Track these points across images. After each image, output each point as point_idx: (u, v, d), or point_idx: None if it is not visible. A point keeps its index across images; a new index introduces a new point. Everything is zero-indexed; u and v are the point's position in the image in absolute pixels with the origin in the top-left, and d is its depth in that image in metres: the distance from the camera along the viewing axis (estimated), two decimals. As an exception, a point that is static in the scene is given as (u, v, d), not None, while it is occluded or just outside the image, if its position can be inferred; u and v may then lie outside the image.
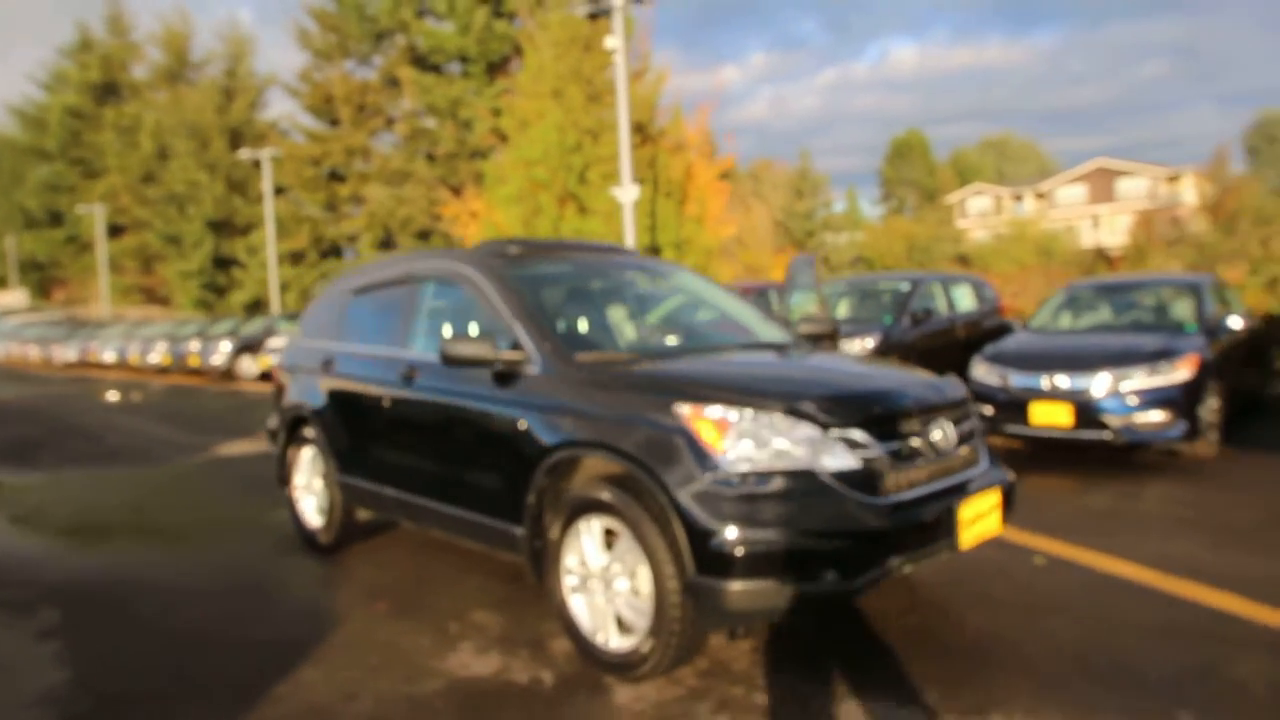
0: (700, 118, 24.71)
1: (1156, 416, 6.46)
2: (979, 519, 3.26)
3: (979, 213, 60.47)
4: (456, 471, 3.96)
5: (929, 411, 3.33)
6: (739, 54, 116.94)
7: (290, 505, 5.49)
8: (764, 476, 2.96)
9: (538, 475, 3.48)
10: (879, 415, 3.16)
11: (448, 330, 4.45)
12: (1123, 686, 3.05)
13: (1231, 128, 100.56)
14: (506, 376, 3.73)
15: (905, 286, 10.27)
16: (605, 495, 3.22)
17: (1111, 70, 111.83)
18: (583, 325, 4.20)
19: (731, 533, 2.89)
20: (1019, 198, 59.50)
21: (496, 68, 26.67)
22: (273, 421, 5.72)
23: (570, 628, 3.43)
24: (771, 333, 4.45)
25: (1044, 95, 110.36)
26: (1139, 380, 6.54)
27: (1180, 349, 6.76)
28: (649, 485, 3.06)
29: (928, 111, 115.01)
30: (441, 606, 4.17)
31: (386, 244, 28.77)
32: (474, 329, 4.34)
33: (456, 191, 26.23)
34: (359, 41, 28.32)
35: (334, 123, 28.99)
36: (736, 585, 2.89)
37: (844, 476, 3.00)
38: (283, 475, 5.56)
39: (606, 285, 4.54)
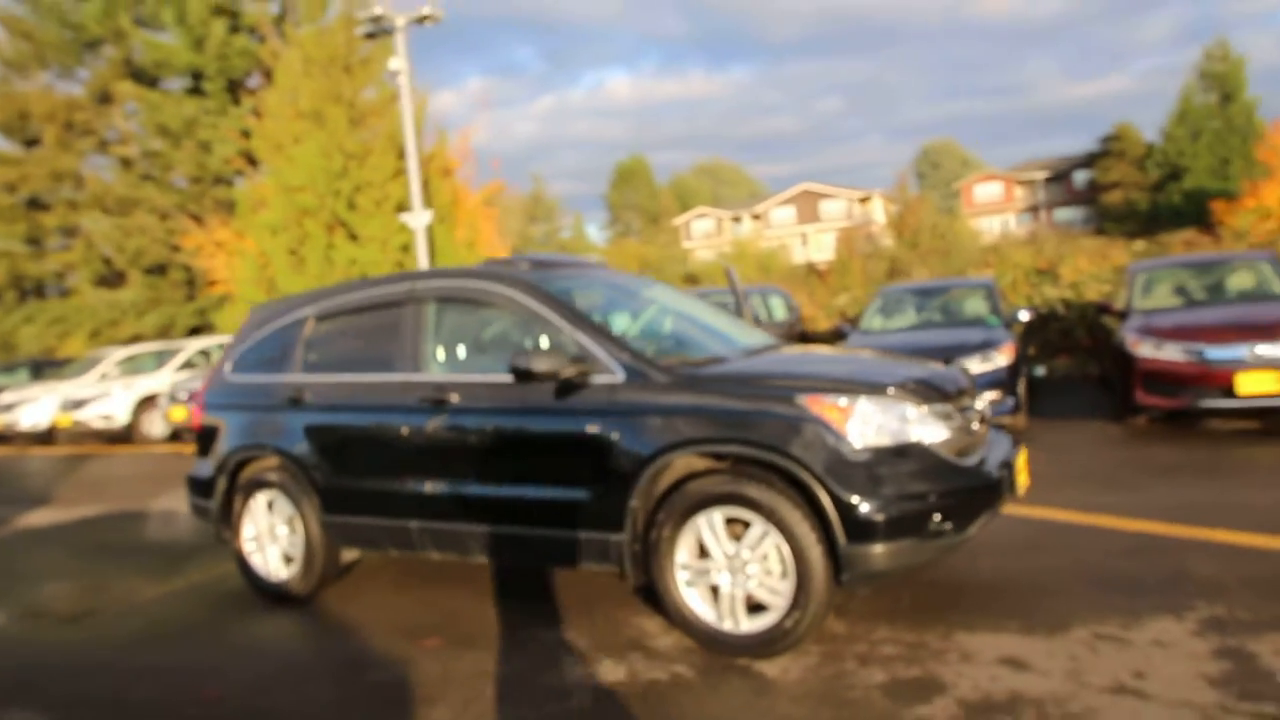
0: (463, 141, 24.65)
1: (992, 396, 7.72)
2: (1020, 473, 3.92)
3: (703, 234, 65.20)
4: (524, 491, 3.96)
5: (969, 391, 3.94)
6: (455, 80, 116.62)
7: (241, 560, 5.01)
8: (886, 450, 3.39)
9: (642, 479, 3.63)
10: (949, 394, 3.72)
11: (455, 350, 4.44)
12: (1140, 593, 3.82)
13: (902, 155, 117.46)
14: (571, 388, 3.83)
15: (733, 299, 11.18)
16: (733, 487, 3.46)
17: (800, 103, 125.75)
18: (631, 333, 4.36)
19: (873, 502, 3.29)
20: (738, 219, 64.97)
21: (238, 86, 24.68)
22: (204, 469, 5.18)
23: (689, 621, 3.61)
24: (766, 336, 4.88)
25: (745, 124, 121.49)
26: (975, 366, 7.76)
27: (999, 339, 8.12)
28: (789, 470, 3.36)
29: (642, 138, 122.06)
30: (495, 632, 4.11)
31: (108, 280, 25.43)
32: (459, 345, 4.38)
33: (198, 220, 23.92)
34: (60, 52, 24.85)
35: (31, 143, 25.14)
36: (881, 548, 3.29)
37: (941, 445, 3.51)
38: (225, 528, 5.07)
39: (619, 297, 4.72)
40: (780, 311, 12.09)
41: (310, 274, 20.41)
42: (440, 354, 4.43)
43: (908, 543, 3.33)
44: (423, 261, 16.90)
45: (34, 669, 4.21)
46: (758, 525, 3.45)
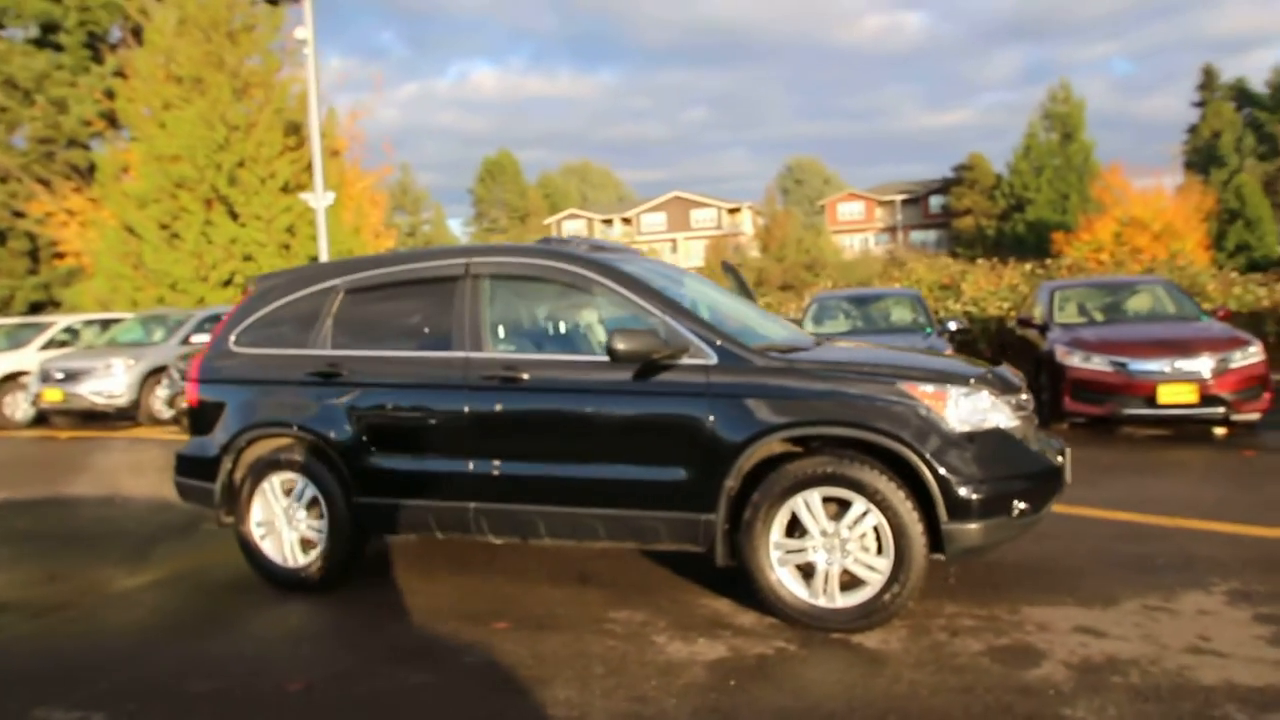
0: (350, 122, 23.69)
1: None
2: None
3: (574, 235, 65.18)
4: (609, 471, 3.94)
5: (1023, 386, 4.25)
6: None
7: (247, 546, 4.68)
8: (978, 435, 3.63)
9: (740, 460, 3.71)
10: (1014, 387, 4.01)
11: (520, 328, 4.38)
12: (1158, 572, 4.25)
13: (765, 170, 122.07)
14: (658, 369, 3.86)
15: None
16: (837, 468, 3.60)
17: (667, 111, 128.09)
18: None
19: (973, 483, 3.52)
20: (609, 222, 65.46)
21: (99, 41, 22.66)
22: (202, 448, 4.81)
23: (781, 598, 3.71)
24: (801, 330, 5.05)
25: (612, 128, 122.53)
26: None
27: (941, 346, 8.68)
28: (898, 452, 3.54)
29: (507, 133, 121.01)
30: (563, 615, 4.05)
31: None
32: (526, 323, 4.34)
33: (47, 185, 21.84)
34: (-117, -13, 22.03)
35: None
36: (977, 526, 3.53)
37: (1016, 432, 3.78)
38: (226, 512, 4.74)
39: (669, 284, 4.75)
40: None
41: (186, 250, 19.06)
42: (503, 331, 4.34)
43: (999, 521, 3.58)
44: (323, 245, 16.04)
45: (49, 660, 3.80)
46: (859, 504, 3.60)
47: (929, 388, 3.65)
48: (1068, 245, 30.95)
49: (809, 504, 3.68)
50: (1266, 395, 7.66)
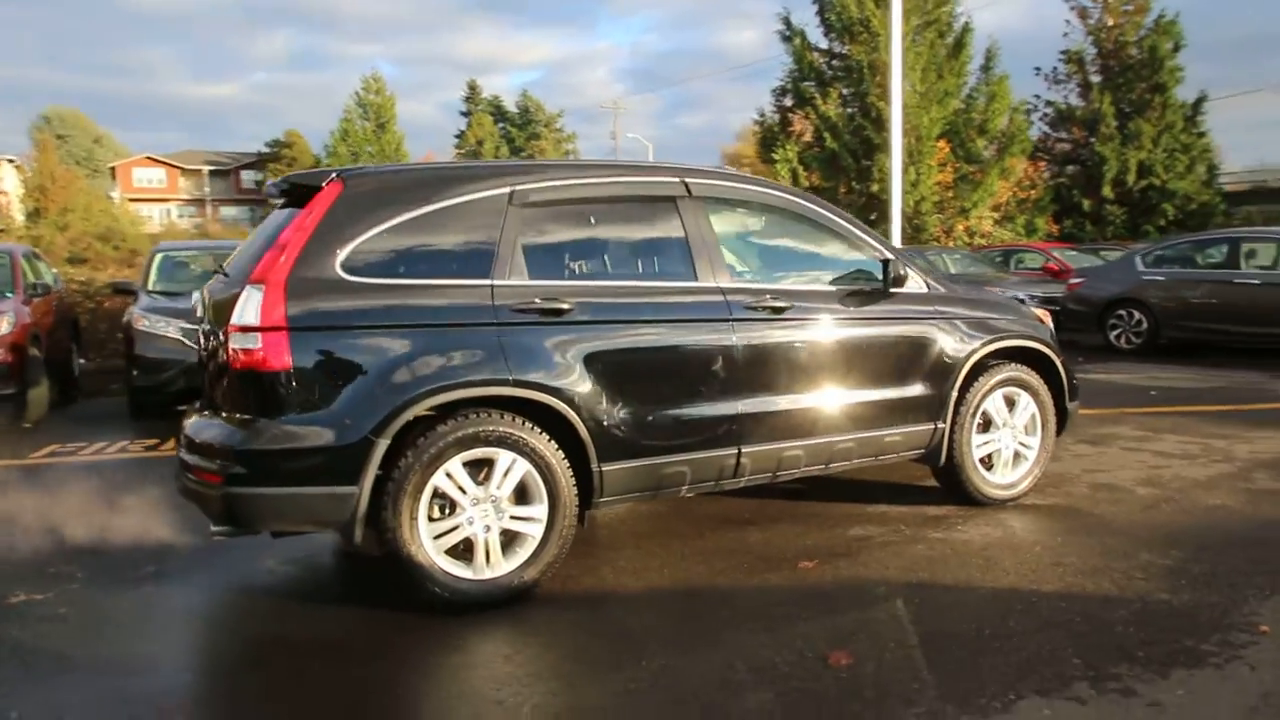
0: None
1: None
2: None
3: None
4: (870, 395, 4.16)
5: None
6: None
7: (418, 566, 3.30)
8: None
9: (962, 373, 4.39)
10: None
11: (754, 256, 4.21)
12: (1105, 431, 6.22)
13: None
14: (884, 296, 4.26)
15: None
16: (1015, 373, 4.58)
17: None
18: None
19: (1074, 376, 4.90)
20: None
21: None
22: (322, 434, 3.19)
23: (977, 485, 4.53)
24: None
25: None
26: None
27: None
28: (1049, 358, 4.69)
29: None
30: (815, 544, 4.08)
31: None
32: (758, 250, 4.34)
33: None
34: None
35: None
36: (1076, 405, 4.93)
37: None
38: (376, 521, 3.29)
39: None
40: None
41: None
42: (736, 261, 4.03)
43: (1078, 403, 5.03)
44: None
45: None
46: (1025, 398, 4.66)
47: (1041, 311, 4.92)
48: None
49: (995, 403, 4.57)
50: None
